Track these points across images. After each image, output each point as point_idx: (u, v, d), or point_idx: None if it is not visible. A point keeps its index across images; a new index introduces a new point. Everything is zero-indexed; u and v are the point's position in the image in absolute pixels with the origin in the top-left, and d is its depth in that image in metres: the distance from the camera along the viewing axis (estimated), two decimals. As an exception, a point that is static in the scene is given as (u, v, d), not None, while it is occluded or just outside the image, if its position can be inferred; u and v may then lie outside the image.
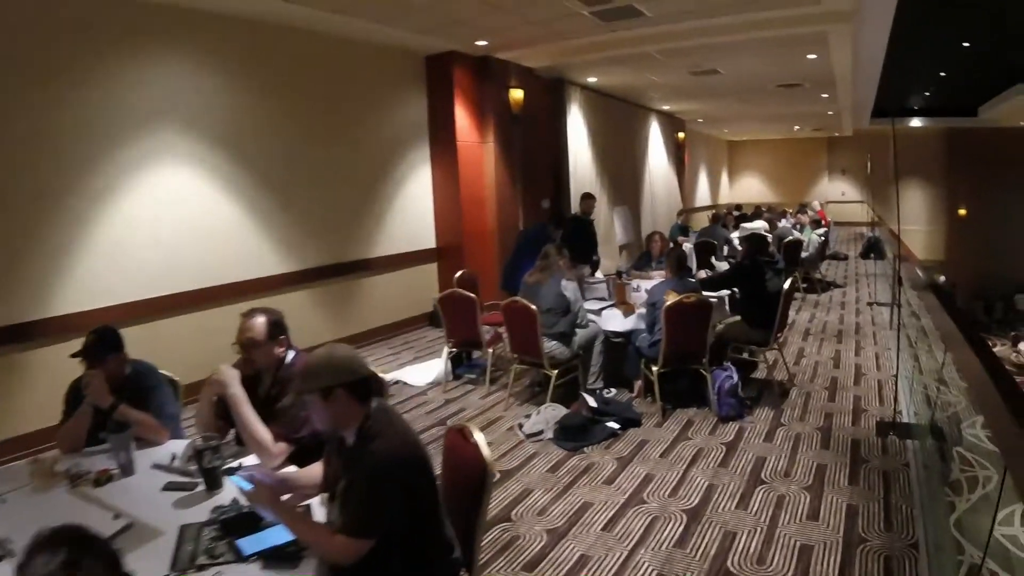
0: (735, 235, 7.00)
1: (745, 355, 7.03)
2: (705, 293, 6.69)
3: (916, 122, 22.75)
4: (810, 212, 16.10)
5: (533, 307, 5.95)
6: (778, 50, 10.34)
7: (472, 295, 6.75)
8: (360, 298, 9.06)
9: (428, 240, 10.27)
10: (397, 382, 7.31)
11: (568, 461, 5.22)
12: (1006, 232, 22.28)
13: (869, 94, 15.62)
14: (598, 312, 6.78)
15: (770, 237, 11.17)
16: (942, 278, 20.49)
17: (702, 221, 17.70)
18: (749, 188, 28.55)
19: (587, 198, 9.17)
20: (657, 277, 7.39)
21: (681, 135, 19.73)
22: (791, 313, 9.89)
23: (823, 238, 12.62)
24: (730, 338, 6.69)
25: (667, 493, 4.62)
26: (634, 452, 5.33)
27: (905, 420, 5.75)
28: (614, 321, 6.64)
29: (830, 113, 18.81)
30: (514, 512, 4.44)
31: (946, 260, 23.29)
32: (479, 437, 2.66)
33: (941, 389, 5.64)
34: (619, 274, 8.21)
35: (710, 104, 17.18)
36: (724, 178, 28.58)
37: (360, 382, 2.45)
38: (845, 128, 22.88)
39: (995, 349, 18.11)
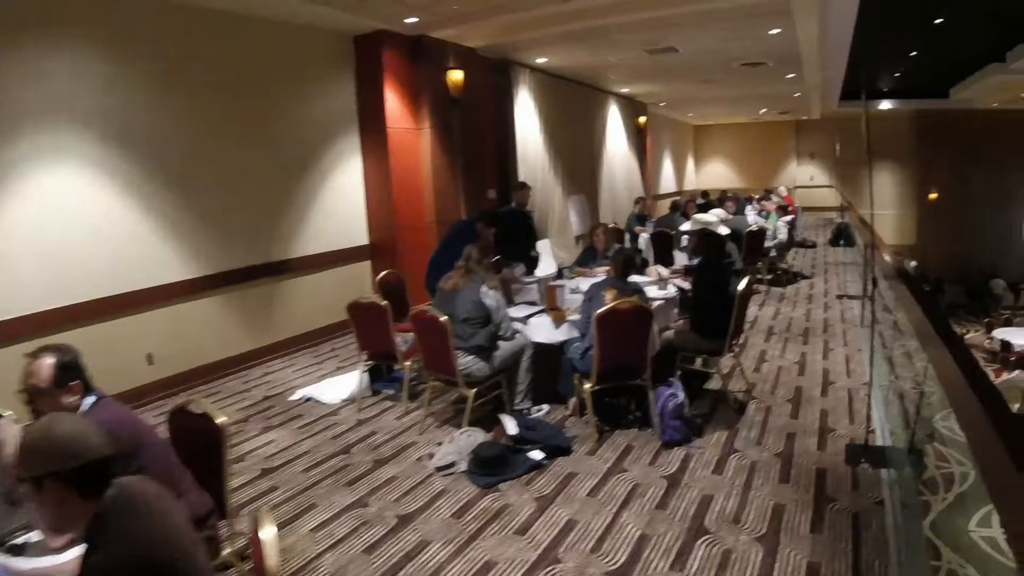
0: (685, 226, 6.08)
1: (697, 364, 6.19)
2: (656, 296, 5.93)
3: (886, 104, 22.12)
4: (775, 198, 15.34)
5: (443, 318, 5.10)
6: (738, 23, 9.54)
7: (382, 303, 5.87)
8: (282, 303, 8.23)
9: (360, 236, 9.42)
10: (308, 399, 6.49)
11: (480, 501, 4.37)
12: (979, 216, 21.87)
13: (837, 74, 14.88)
14: (525, 320, 5.88)
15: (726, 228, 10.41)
16: (913, 263, 20.18)
17: (666, 209, 16.87)
18: (716, 174, 27.83)
19: (521, 188, 8.30)
20: (602, 275, 6.60)
21: (642, 119, 18.93)
22: (752, 309, 9.13)
23: (789, 225, 11.79)
24: (679, 347, 5.85)
25: (589, 547, 3.76)
26: (559, 489, 4.48)
27: (879, 442, 4.93)
28: (543, 331, 5.76)
29: (797, 95, 18.11)
30: (401, 574, 3.58)
31: (917, 245, 22.87)
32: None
33: (921, 399, 4.90)
34: (560, 272, 7.36)
35: (671, 86, 16.37)
36: (690, 164, 27.87)
37: (82, 470, 1.83)
38: (813, 111, 22.15)
39: (968, 336, 17.64)
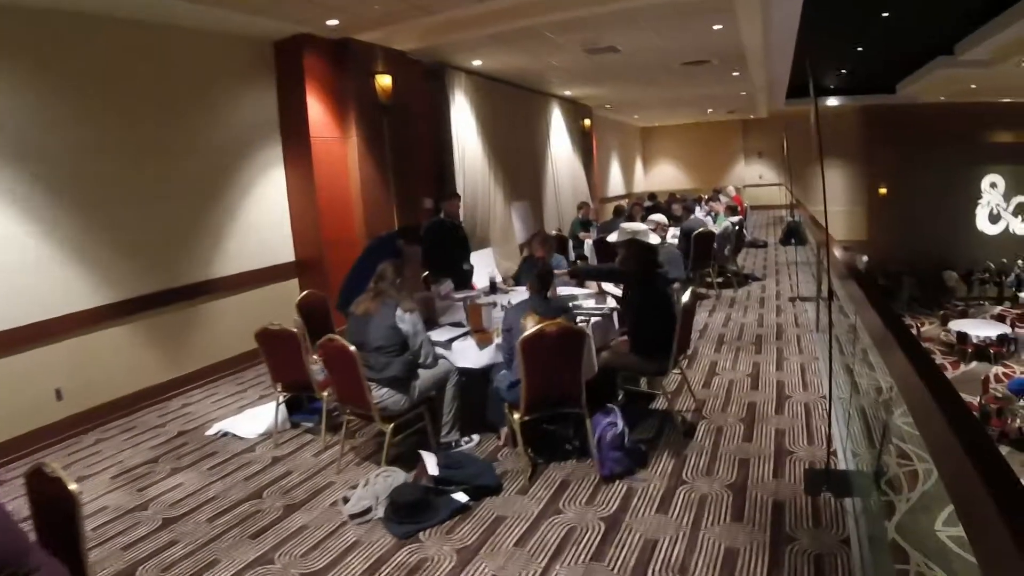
0: (612, 236, 5.52)
1: (642, 384, 5.70)
2: (592, 309, 5.41)
3: (833, 101, 22.20)
4: (724, 198, 14.95)
5: (351, 347, 4.54)
6: (680, 20, 9.17)
7: (291, 330, 5.31)
8: (201, 328, 7.61)
9: (285, 253, 8.80)
10: (225, 434, 5.92)
11: (395, 555, 3.82)
12: (929, 209, 22.02)
13: (783, 72, 14.68)
14: (448, 344, 5.30)
15: (669, 235, 9.97)
16: (864, 258, 20.05)
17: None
18: (665, 175, 27.73)
19: (450, 198, 7.75)
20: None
21: (587, 122, 18.52)
22: (702, 316, 8.70)
23: (738, 226, 11.38)
24: (618, 367, 5.34)
25: (513, 613, 3.23)
26: (484, 537, 3.94)
27: (842, 465, 4.46)
28: (468, 355, 5.20)
29: (743, 94, 17.94)
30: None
31: (868, 240, 22.92)
32: None
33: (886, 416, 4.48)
34: (493, 286, 6.84)
35: (615, 88, 15.97)
36: (638, 166, 27.70)
37: None
38: (760, 110, 22.27)
39: (924, 328, 17.62)
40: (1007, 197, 23.21)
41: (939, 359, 15.19)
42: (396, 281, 4.93)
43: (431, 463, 4.46)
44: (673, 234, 10.79)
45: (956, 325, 16.01)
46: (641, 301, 5.17)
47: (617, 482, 4.44)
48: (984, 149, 22.52)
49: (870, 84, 20.88)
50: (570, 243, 11.43)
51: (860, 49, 16.94)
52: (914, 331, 16.97)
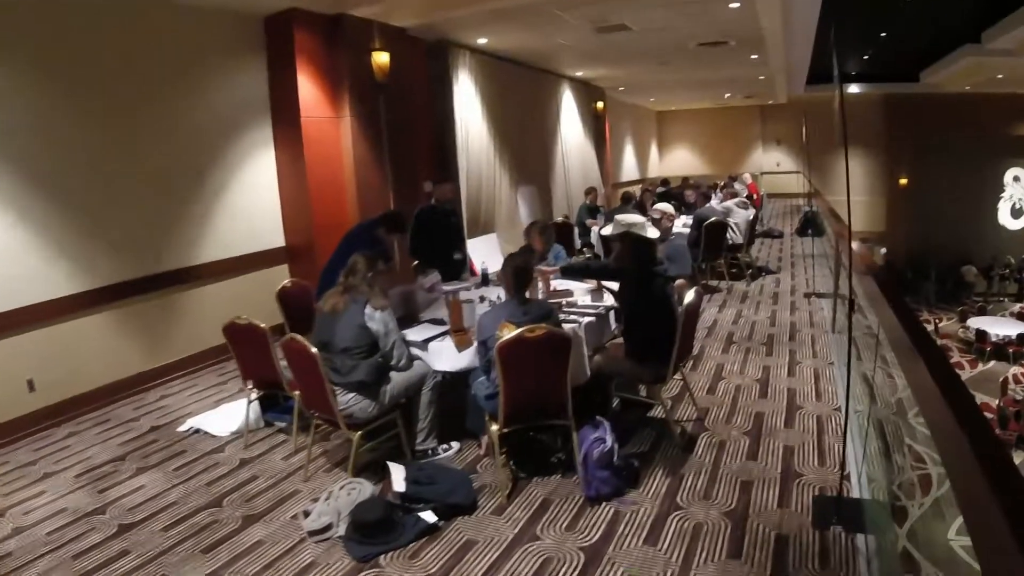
0: (607, 230, 4.97)
1: (641, 390, 5.23)
2: (587, 307, 4.96)
3: (855, 88, 21.61)
4: (738, 186, 14.42)
5: (312, 349, 4.11)
6: (693, -4, 8.62)
7: (259, 325, 4.89)
8: (184, 316, 7.23)
9: (274, 238, 8.40)
10: (197, 431, 5.54)
11: (352, 582, 3.40)
12: (950, 201, 21.53)
13: (803, 56, 14.13)
14: (424, 344, 4.80)
15: (679, 224, 9.47)
16: (883, 250, 19.55)
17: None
18: (681, 161, 27.15)
19: (441, 182, 7.27)
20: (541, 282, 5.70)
21: (600, 105, 17.97)
22: (711, 312, 8.23)
23: (751, 217, 10.85)
24: (612, 373, 4.88)
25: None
26: (450, 564, 3.50)
27: (855, 492, 3.98)
28: (446, 357, 4.72)
29: (762, 78, 17.29)
30: None
31: (887, 231, 22.39)
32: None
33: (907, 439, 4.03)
34: (485, 278, 6.39)
35: (627, 69, 15.38)
36: (654, 151, 27.17)
37: None
38: (779, 95, 21.68)
39: (942, 324, 17.18)
40: (1031, 192, 22.51)
41: (956, 357, 14.73)
42: (368, 275, 4.49)
43: (398, 477, 4.02)
44: (685, 223, 10.31)
45: (975, 322, 15.53)
46: (636, 301, 4.68)
47: (603, 504, 3.98)
48: (1008, 142, 21.99)
49: (893, 71, 20.34)
50: (576, 231, 10.96)
51: (884, 35, 16.43)
52: (931, 327, 16.51)
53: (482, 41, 10.89)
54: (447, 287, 6.14)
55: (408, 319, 5.14)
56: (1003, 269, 21.54)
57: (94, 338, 6.31)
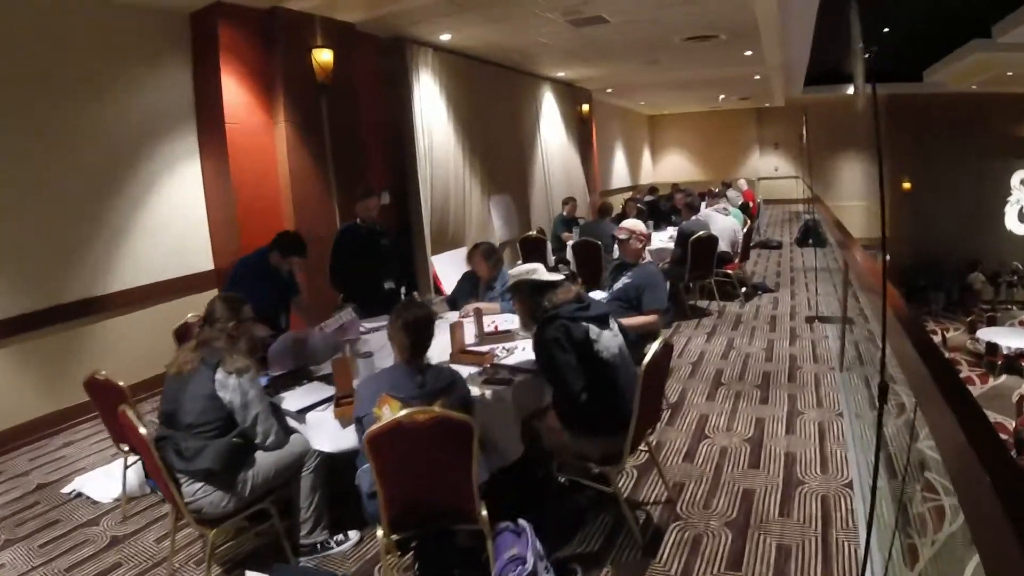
0: (515, 271, 3.74)
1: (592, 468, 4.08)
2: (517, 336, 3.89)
3: (852, 88, 20.58)
4: (733, 193, 13.33)
5: (140, 429, 3.05)
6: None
7: (118, 384, 3.91)
8: (92, 351, 6.26)
9: (202, 261, 7.40)
10: (78, 495, 4.67)
11: None
12: (955, 206, 20.72)
13: (802, 52, 13.11)
14: (301, 414, 3.62)
15: (658, 241, 8.36)
16: (886, 258, 18.67)
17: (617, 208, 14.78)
18: (674, 166, 26.37)
19: (365, 197, 6.15)
20: (484, 319, 4.61)
21: (586, 108, 16.90)
22: (698, 342, 7.15)
23: (740, 227, 9.70)
24: (552, 450, 3.73)
25: None
26: None
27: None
28: (324, 433, 3.52)
29: (757, 78, 16.34)
30: None
31: (890, 238, 21.35)
32: None
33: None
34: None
35: (612, 69, 14.31)
36: (646, 156, 26.25)
37: None
38: (776, 97, 20.83)
39: (950, 335, 16.26)
40: (1040, 195, 21.69)
41: (965, 371, 13.93)
42: (230, 325, 3.42)
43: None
44: (671, 235, 9.23)
45: (985, 334, 14.79)
46: (567, 361, 3.47)
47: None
48: (1015, 143, 21.21)
49: (894, 70, 19.36)
50: (548, 246, 9.86)
51: (887, 30, 15.43)
52: (938, 339, 15.64)
53: (445, 37, 9.83)
54: (370, 324, 5.05)
55: (301, 376, 4.04)
56: (1011, 276, 20.91)
57: (-11, 379, 5.50)
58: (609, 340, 3.50)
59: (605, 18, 9.15)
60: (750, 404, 5.48)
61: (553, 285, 3.56)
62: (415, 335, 3.08)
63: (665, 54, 12.37)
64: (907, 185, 21.77)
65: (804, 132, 10.00)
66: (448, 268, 9.56)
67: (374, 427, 2.74)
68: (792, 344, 7.10)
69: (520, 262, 10.33)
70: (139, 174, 6.70)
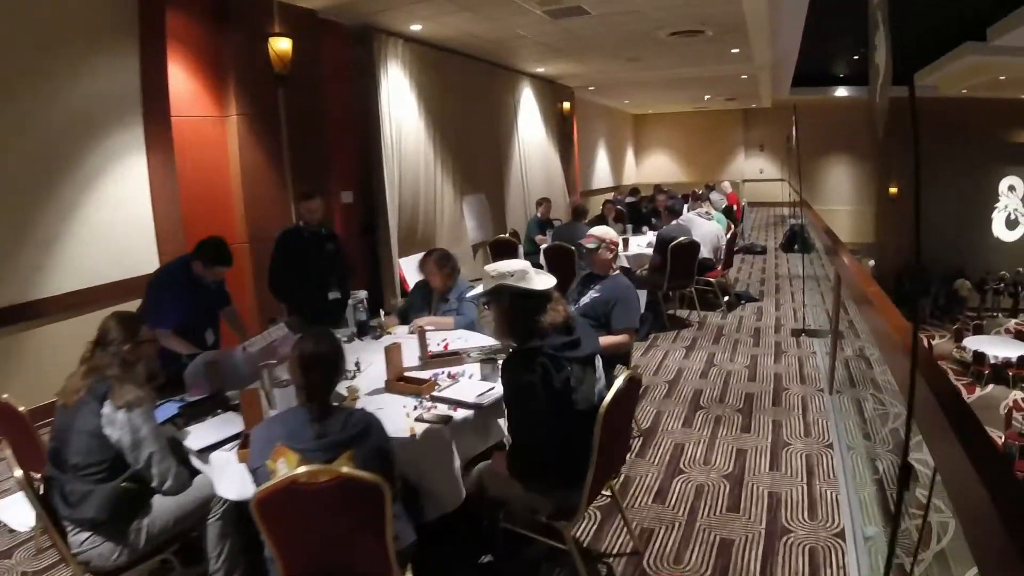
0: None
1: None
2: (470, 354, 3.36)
3: (842, 91, 20.39)
4: (716, 195, 12.84)
5: (17, 471, 2.60)
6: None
7: (15, 407, 3.36)
8: (21, 362, 5.65)
9: (147, 263, 6.70)
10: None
11: None
12: (942, 211, 20.28)
13: (791, 50, 12.71)
14: (204, 454, 3.04)
15: (635, 247, 7.87)
16: (871, 263, 18.28)
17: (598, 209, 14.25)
18: (659, 167, 26.04)
19: (307, 198, 5.61)
20: (435, 336, 4.10)
21: (567, 106, 16.38)
22: (675, 357, 6.66)
23: (723, 232, 9.17)
24: (496, 499, 3.15)
25: None
26: None
27: None
28: (228, 477, 2.92)
29: (744, 77, 15.90)
30: None
31: (876, 243, 21.38)
32: None
33: None
34: (362, 328, 4.75)
35: (594, 65, 13.76)
36: (630, 156, 25.86)
37: None
38: (763, 99, 20.43)
39: (935, 342, 16.04)
40: (1027, 202, 21.51)
41: (952, 380, 13.46)
42: (124, 348, 2.89)
43: None
44: (650, 241, 8.72)
45: (972, 343, 14.57)
46: (520, 396, 2.93)
47: None
48: (1004, 149, 21.19)
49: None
50: (520, 249, 9.33)
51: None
52: (924, 346, 15.25)
53: (416, 28, 9.29)
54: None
55: (217, 405, 3.49)
56: (997, 283, 20.90)
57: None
58: (589, 388, 2.93)
59: (584, 9, 8.64)
60: (731, 432, 4.95)
61: (546, 298, 2.95)
62: (310, 373, 2.54)
63: (649, 50, 11.87)
64: (893, 190, 21.46)
65: (793, 132, 9.51)
66: (416, 272, 9.04)
67: (264, 487, 2.21)
68: (777, 361, 6.60)
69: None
70: (78, 170, 6.10)
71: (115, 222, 6.40)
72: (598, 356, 3.04)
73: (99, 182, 6.26)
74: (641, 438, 4.84)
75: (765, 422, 5.10)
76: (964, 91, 18.35)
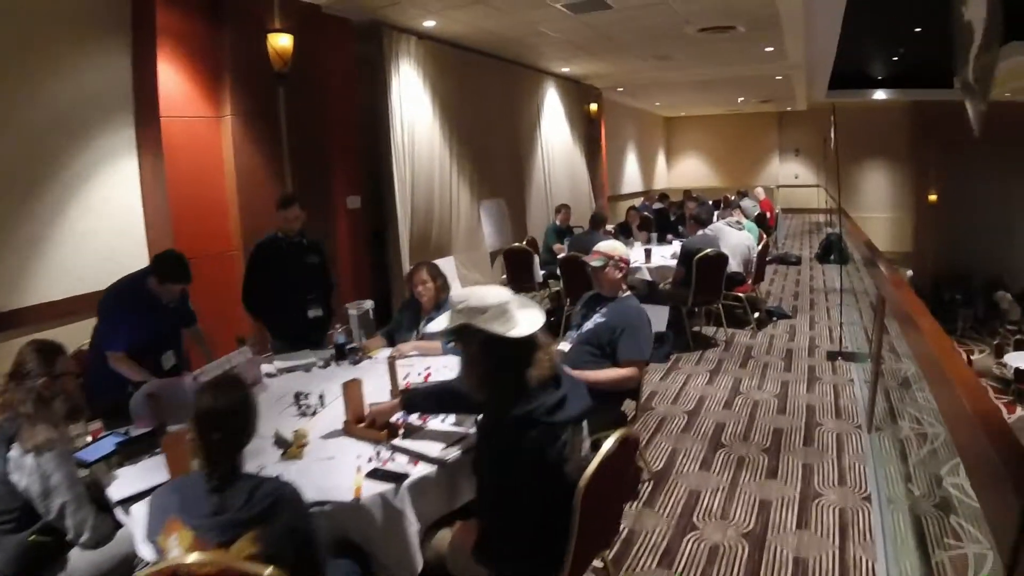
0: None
1: None
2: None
3: (880, 94, 19.71)
4: (748, 202, 12.22)
5: None
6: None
7: None
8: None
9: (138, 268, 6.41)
10: None
11: None
12: (983, 220, 19.38)
13: (828, 48, 12.02)
14: (126, 505, 2.51)
15: (659, 257, 7.32)
16: (909, 273, 17.61)
17: (622, 215, 13.68)
18: (691, 171, 25.56)
19: (285, 205, 5.15)
20: (418, 363, 3.62)
21: (594, 107, 15.83)
22: (698, 382, 6.10)
23: (754, 244, 8.57)
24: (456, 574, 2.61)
25: None
26: None
27: None
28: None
29: (778, 78, 15.35)
30: None
31: (915, 251, 20.57)
32: None
33: None
34: (340, 352, 4.24)
35: (621, 64, 13.20)
36: (661, 160, 25.33)
37: None
38: (798, 101, 19.84)
39: (975, 358, 15.24)
40: (1073, 210, 20.65)
41: (991, 399, 12.72)
42: (39, 382, 2.48)
43: None
44: (674, 252, 8.14)
45: (1013, 359, 13.62)
46: (491, 457, 2.41)
47: None
48: None
49: (923, 76, 18.35)
50: (535, 259, 8.76)
51: (919, 30, 14.36)
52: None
53: (429, 24, 8.81)
54: (282, 365, 4.03)
55: (159, 443, 3.00)
56: None
57: None
58: (580, 455, 2.41)
59: (607, 3, 8.11)
60: (754, 477, 4.37)
61: (532, 346, 2.37)
62: (207, 435, 2.02)
63: (678, 48, 11.33)
64: (933, 197, 20.75)
65: (832, 135, 8.90)
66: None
67: (144, 572, 1.73)
68: (810, 389, 5.99)
69: (504, 277, 9.30)
70: (65, 172, 5.74)
71: (103, 229, 6.03)
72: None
73: (89, 185, 5.90)
74: (651, 483, 4.28)
75: (795, 465, 4.51)
76: (1007, 95, 17.58)
